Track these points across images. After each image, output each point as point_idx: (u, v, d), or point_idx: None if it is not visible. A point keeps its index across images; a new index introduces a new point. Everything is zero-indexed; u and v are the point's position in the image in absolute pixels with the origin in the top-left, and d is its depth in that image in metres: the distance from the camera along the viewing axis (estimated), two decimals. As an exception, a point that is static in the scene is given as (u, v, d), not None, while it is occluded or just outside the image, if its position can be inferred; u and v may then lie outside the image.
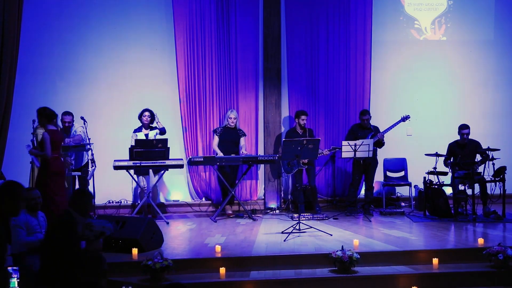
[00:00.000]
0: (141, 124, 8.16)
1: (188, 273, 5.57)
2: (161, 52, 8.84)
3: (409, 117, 8.33)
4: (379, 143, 8.25)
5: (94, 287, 4.08)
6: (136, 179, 8.06)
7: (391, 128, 8.33)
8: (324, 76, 9.03)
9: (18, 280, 4.89)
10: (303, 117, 8.31)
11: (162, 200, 8.83)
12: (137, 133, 8.13)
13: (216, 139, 8.36)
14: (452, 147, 8.26)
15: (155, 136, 8.10)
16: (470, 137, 8.18)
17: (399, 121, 8.33)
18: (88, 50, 8.70)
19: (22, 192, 4.14)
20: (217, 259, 5.75)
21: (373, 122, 8.63)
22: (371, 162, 8.25)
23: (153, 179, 8.24)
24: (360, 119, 8.42)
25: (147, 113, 8.08)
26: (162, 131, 8.11)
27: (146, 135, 8.09)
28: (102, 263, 4.93)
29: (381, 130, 8.32)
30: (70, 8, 8.65)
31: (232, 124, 8.31)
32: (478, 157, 8.11)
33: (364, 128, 8.38)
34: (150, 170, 8.12)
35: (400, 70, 9.33)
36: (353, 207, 8.36)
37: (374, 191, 9.02)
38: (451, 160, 8.10)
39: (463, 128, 8.13)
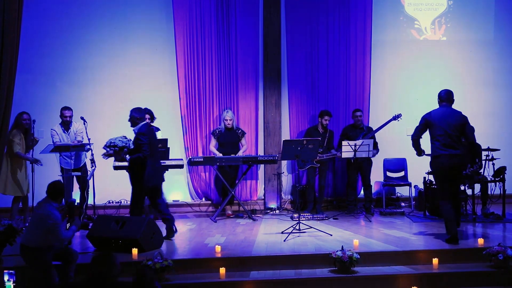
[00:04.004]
0: None
1: (188, 273, 5.58)
2: (161, 52, 8.84)
3: (401, 116, 8.37)
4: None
5: None
6: None
7: (382, 127, 8.39)
8: (324, 76, 9.03)
9: (14, 284, 4.88)
10: (326, 117, 8.33)
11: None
12: None
13: (213, 141, 8.37)
14: None
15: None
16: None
17: (390, 120, 8.38)
18: (88, 50, 8.70)
19: None
20: (217, 259, 5.75)
21: (372, 121, 8.64)
22: (365, 160, 8.27)
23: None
24: (353, 118, 8.51)
25: (147, 115, 8.03)
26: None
27: None
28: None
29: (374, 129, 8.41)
30: (70, 8, 8.66)
31: (229, 125, 8.30)
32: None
33: (356, 128, 8.42)
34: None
35: (400, 70, 9.33)
36: (353, 205, 8.37)
37: (374, 191, 9.05)
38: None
39: None
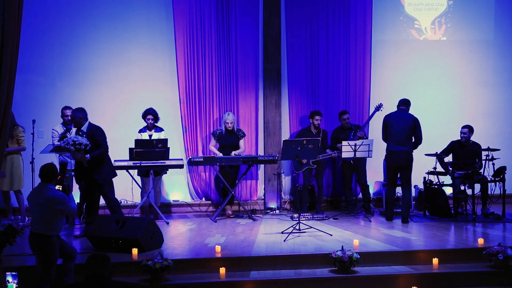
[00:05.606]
0: (146, 124, 8.14)
1: (188, 273, 5.58)
2: (161, 52, 8.84)
3: (382, 105, 8.31)
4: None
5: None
6: (140, 181, 8.07)
7: (368, 121, 8.44)
8: (324, 76, 9.03)
9: (17, 285, 4.87)
10: (317, 117, 8.32)
11: (162, 200, 8.81)
12: (141, 133, 8.11)
13: (213, 141, 8.37)
14: (453, 145, 8.24)
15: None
16: (472, 138, 8.16)
17: (374, 112, 8.36)
18: (88, 50, 8.70)
19: None
20: (217, 259, 5.75)
21: (373, 122, 8.62)
22: (360, 161, 8.27)
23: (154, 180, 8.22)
24: (340, 120, 8.50)
25: (150, 116, 8.04)
26: None
27: (150, 135, 8.07)
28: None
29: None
30: (70, 8, 8.66)
31: (230, 128, 8.30)
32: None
33: (345, 129, 8.45)
34: (151, 172, 8.07)
35: (400, 70, 9.33)
36: (353, 205, 8.38)
37: (375, 191, 9.06)
38: (450, 160, 8.11)
39: (462, 128, 8.15)
